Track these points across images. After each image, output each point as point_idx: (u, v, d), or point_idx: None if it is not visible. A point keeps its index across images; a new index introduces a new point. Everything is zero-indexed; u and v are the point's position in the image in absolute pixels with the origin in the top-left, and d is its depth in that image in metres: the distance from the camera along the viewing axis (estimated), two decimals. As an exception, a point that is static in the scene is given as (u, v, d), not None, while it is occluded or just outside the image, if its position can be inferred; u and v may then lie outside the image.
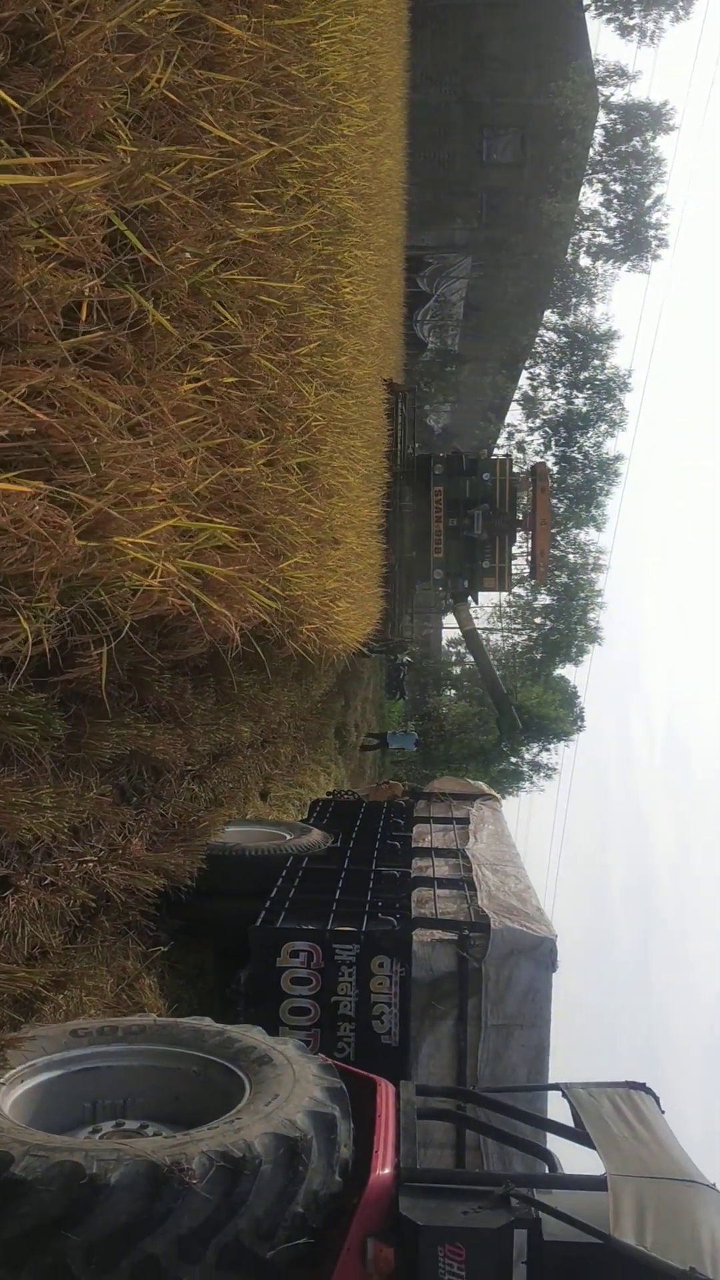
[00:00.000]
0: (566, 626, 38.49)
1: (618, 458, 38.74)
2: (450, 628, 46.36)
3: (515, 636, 40.16)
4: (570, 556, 37.90)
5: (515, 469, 26.08)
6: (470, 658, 41.32)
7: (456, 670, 44.53)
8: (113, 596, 3.50)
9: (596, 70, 35.84)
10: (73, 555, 2.89)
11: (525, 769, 39.79)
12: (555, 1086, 4.84)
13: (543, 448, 36.50)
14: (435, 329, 41.38)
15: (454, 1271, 3.38)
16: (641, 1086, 4.61)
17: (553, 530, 27.66)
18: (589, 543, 38.71)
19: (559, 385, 37.85)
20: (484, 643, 31.00)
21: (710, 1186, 3.79)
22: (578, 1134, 4.20)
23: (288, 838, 7.94)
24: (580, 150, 35.42)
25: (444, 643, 50.98)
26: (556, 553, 36.11)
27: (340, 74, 8.58)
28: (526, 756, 39.42)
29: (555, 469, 35.27)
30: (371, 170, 12.74)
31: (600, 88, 35.78)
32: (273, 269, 5.29)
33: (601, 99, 35.88)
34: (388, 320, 19.93)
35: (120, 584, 3.50)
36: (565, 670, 40.54)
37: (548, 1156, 4.28)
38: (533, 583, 32.09)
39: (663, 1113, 4.42)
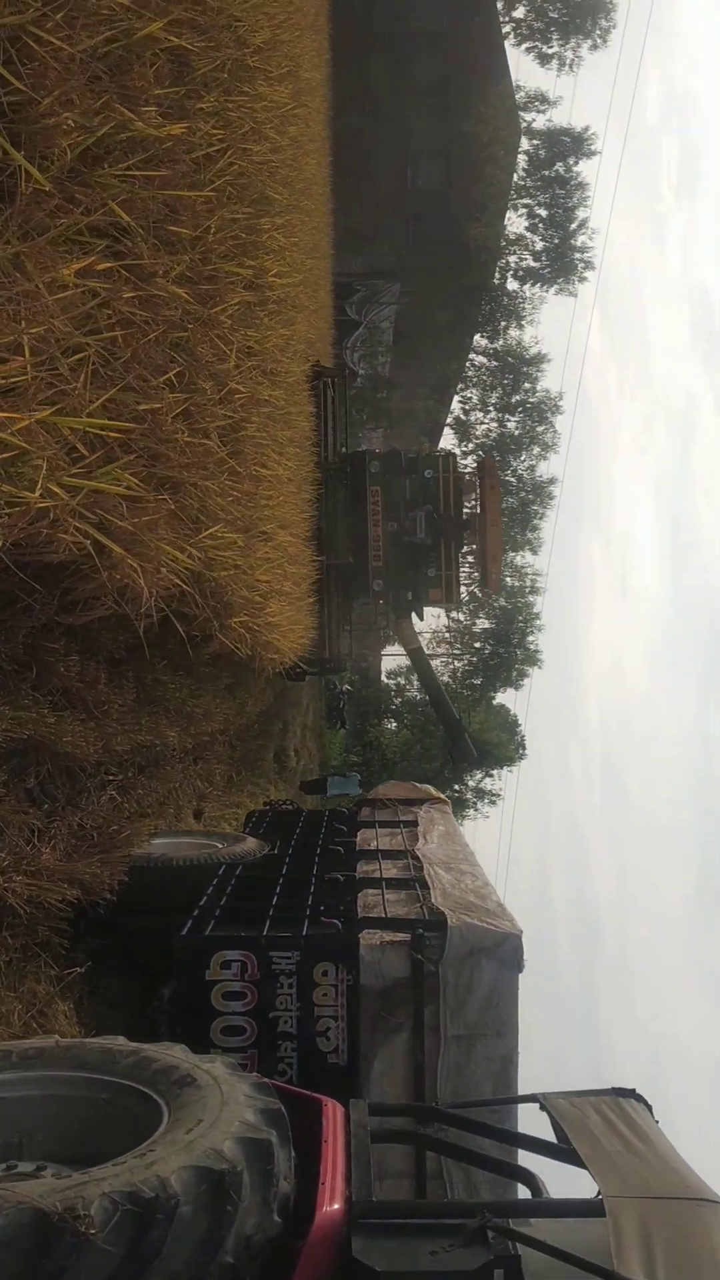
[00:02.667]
0: (506, 650, 38.18)
1: (551, 480, 38.74)
2: (392, 655, 45.86)
3: (455, 662, 39.74)
4: (508, 579, 37.60)
5: (461, 465, 23.84)
6: (415, 683, 40.88)
7: (397, 701, 43.94)
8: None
9: (518, 96, 36.08)
10: None
11: (469, 796, 39.31)
12: (531, 1098, 4.18)
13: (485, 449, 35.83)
14: (366, 356, 41.16)
15: (421, 1325, 2.72)
16: (630, 1093, 3.99)
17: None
18: (525, 565, 38.55)
19: (491, 409, 37.80)
20: (431, 663, 28.11)
21: (723, 1204, 3.18)
22: (562, 1150, 3.56)
23: (220, 846, 7.23)
24: (504, 175, 35.55)
25: (383, 675, 50.39)
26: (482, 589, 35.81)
27: (258, 35, 8.13)
28: (470, 783, 38.98)
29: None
30: (294, 161, 12.29)
31: (522, 114, 36.00)
32: (181, 187, 4.71)
33: (524, 125, 36.11)
34: (316, 332, 19.50)
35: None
36: (505, 695, 40.26)
37: (529, 1178, 3.61)
38: (484, 591, 30.06)
39: (657, 1122, 3.82)
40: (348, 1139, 3.37)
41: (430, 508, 20.92)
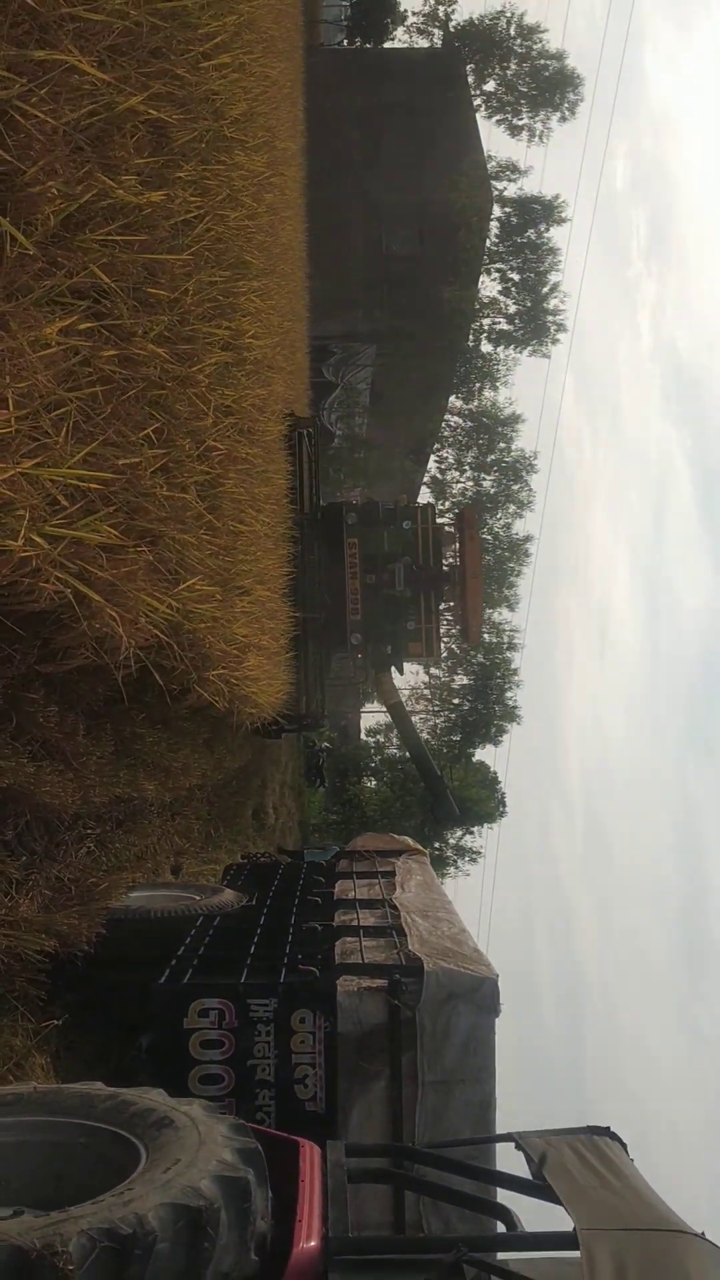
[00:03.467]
0: (485, 706, 38.32)
1: (527, 538, 39.20)
2: (371, 712, 45.90)
3: (434, 718, 39.82)
4: (486, 636, 37.84)
5: (440, 516, 23.42)
6: (395, 740, 40.86)
7: (376, 760, 43.89)
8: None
9: (490, 166, 37.06)
10: None
11: (450, 854, 39.19)
12: (507, 1137, 4.20)
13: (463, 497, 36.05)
14: (343, 417, 41.71)
15: None
16: (605, 1131, 4.02)
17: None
18: (503, 622, 38.84)
19: (466, 468, 38.32)
20: (413, 718, 27.66)
21: (697, 1235, 3.21)
22: (537, 1187, 3.58)
23: (197, 899, 7.24)
24: (477, 241, 36.37)
25: (363, 733, 50.36)
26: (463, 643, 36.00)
27: (235, 107, 8.41)
28: (451, 840, 38.88)
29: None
30: (270, 227, 12.61)
31: (494, 182, 36.94)
32: (160, 251, 4.88)
33: (495, 193, 37.05)
34: (293, 393, 19.81)
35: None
36: (485, 751, 40.32)
37: (505, 1214, 3.63)
38: (465, 645, 29.66)
39: (632, 1160, 3.84)
40: (324, 1179, 3.39)
41: (409, 560, 20.63)
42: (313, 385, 32.77)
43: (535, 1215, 3.41)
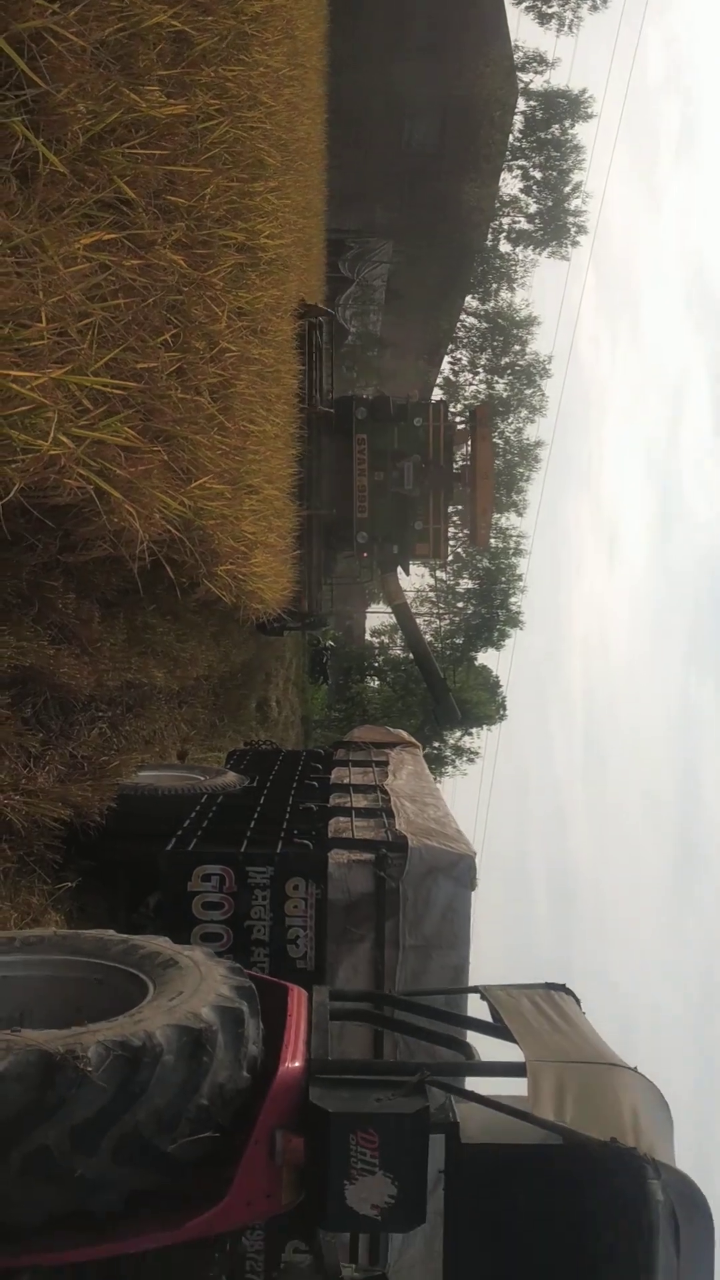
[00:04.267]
0: (488, 611, 38.66)
1: (538, 443, 39.10)
2: (376, 612, 46.24)
3: (438, 621, 40.22)
4: (493, 540, 38.02)
5: (452, 414, 21.99)
6: (399, 641, 41.35)
7: (380, 660, 44.46)
8: None
9: (516, 57, 36.02)
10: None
11: (449, 753, 39.97)
12: (474, 989, 4.71)
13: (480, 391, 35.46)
14: (358, 314, 41.24)
15: (366, 1160, 3.23)
16: (561, 987, 4.51)
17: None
18: (510, 528, 38.96)
19: (480, 370, 38.03)
20: (417, 618, 26.65)
21: (630, 1069, 3.69)
22: (497, 1029, 4.08)
23: (202, 779, 7.72)
24: (500, 136, 35.56)
25: (367, 634, 50.85)
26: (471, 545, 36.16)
27: (255, 3, 8.40)
28: (449, 741, 39.61)
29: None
30: (288, 123, 12.55)
31: (520, 74, 35.96)
32: (179, 159, 5.09)
33: (521, 85, 36.08)
34: (308, 290, 19.74)
35: (6, 440, 3.28)
36: (487, 655, 40.81)
37: (465, 1048, 4.14)
38: (472, 547, 28.86)
39: (584, 1013, 4.33)
40: (309, 1014, 3.88)
41: (419, 458, 19.66)
42: (328, 280, 32.40)
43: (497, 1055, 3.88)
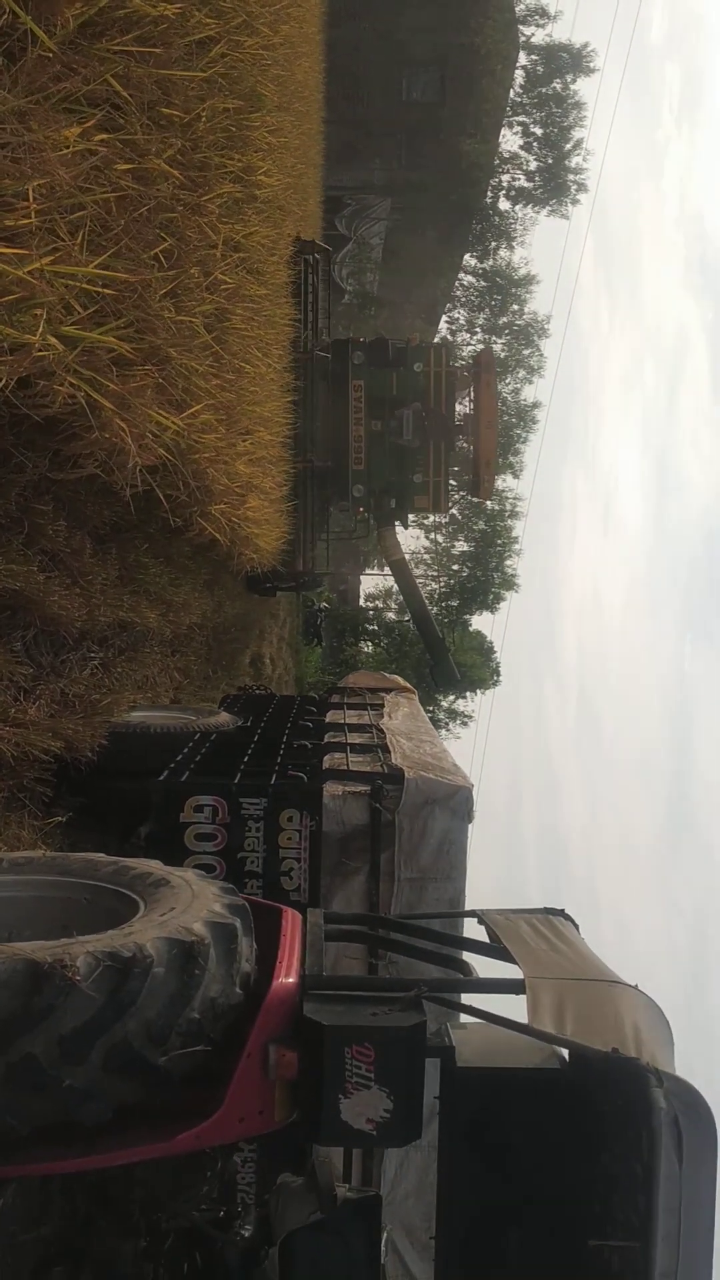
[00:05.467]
0: (483, 573, 38.54)
1: (535, 405, 38.83)
2: (372, 575, 46.07)
3: (433, 583, 40.09)
4: (488, 503, 37.84)
5: (455, 359, 20.77)
6: (394, 605, 41.23)
7: (374, 624, 44.31)
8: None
9: (518, 9, 35.43)
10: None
11: (442, 716, 39.98)
12: (471, 913, 4.65)
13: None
14: (354, 273, 40.82)
15: (362, 1074, 3.16)
16: (560, 912, 4.45)
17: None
18: (506, 490, 38.74)
19: (478, 330, 37.70)
20: (415, 577, 25.31)
21: (631, 986, 3.63)
22: (495, 949, 4.01)
23: (195, 719, 7.64)
24: (500, 91, 35.08)
25: (362, 599, 50.68)
26: (474, 499, 35.91)
27: None
28: (443, 703, 39.61)
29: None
30: (286, 61, 12.30)
31: (521, 27, 35.39)
32: (174, 64, 4.92)
33: (522, 39, 35.52)
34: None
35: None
36: (482, 620, 40.75)
37: (462, 967, 4.08)
38: (474, 499, 27.14)
39: (581, 936, 4.27)
40: (304, 934, 3.81)
41: (419, 405, 18.53)
42: (325, 238, 32.02)
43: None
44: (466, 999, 3.76)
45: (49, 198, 3.24)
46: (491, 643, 42.18)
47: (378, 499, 18.96)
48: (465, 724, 41.25)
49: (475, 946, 4.12)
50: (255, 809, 5.66)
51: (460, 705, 40.47)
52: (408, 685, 9.91)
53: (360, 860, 5.62)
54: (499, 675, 42.50)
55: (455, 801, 5.66)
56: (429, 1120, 4.05)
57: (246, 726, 7.78)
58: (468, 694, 40.03)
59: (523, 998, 3.55)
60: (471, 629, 40.72)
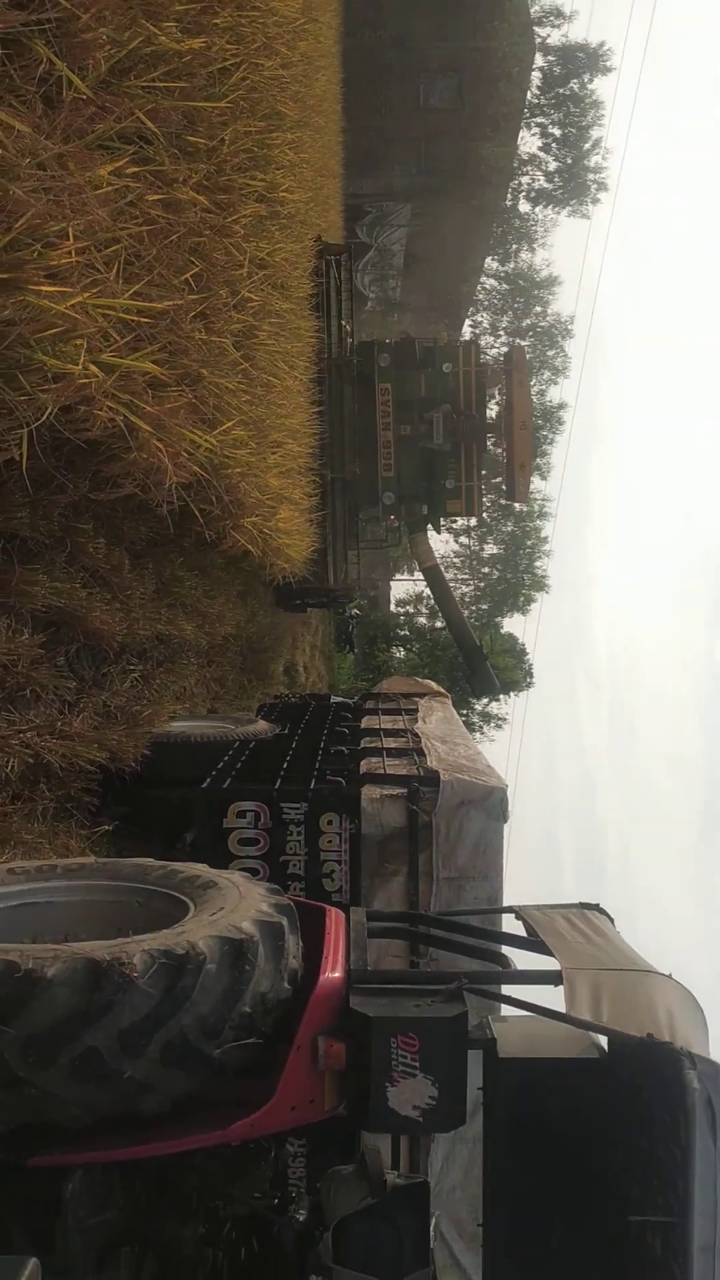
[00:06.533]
0: (514, 575, 38.61)
1: (561, 405, 38.86)
2: (402, 580, 46.16)
3: (463, 587, 40.19)
4: (516, 505, 37.91)
5: (484, 357, 19.68)
6: (425, 610, 41.32)
7: (406, 629, 44.39)
8: (28, 376, 3.32)
9: (533, 11, 35.55)
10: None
11: (476, 720, 40.04)
12: (509, 909, 4.79)
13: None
14: (377, 280, 41.03)
15: (407, 1063, 3.30)
16: (595, 906, 4.57)
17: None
18: (534, 491, 38.76)
19: (502, 333, 37.79)
20: (449, 583, 24.18)
21: (666, 976, 3.75)
22: (532, 942, 4.14)
23: (234, 728, 7.81)
24: (518, 93, 35.19)
25: (393, 604, 50.78)
26: (502, 501, 35.99)
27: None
28: (477, 707, 39.66)
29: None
30: (304, 77, 12.49)
31: (536, 29, 35.50)
32: (199, 96, 5.10)
33: (538, 40, 35.63)
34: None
35: (35, 363, 3.32)
36: (513, 621, 40.79)
37: (501, 959, 4.22)
38: (510, 503, 26.19)
39: (618, 931, 4.38)
40: (348, 931, 3.95)
41: (449, 407, 17.70)
42: (346, 246, 32.23)
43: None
44: (506, 992, 3.90)
45: (87, 235, 3.42)
46: (523, 645, 42.15)
47: (409, 505, 18.53)
48: (499, 727, 41.29)
49: (513, 940, 4.25)
50: (296, 813, 5.83)
51: (494, 708, 40.49)
52: (441, 690, 10.04)
53: (399, 861, 5.77)
54: (531, 677, 42.44)
55: (490, 802, 5.79)
56: (473, 1112, 4.18)
57: (284, 734, 7.95)
58: (501, 697, 40.04)
59: (560, 990, 3.68)
60: (503, 631, 40.76)
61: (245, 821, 5.87)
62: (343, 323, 17.34)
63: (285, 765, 6.66)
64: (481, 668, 22.46)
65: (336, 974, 3.62)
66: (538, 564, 39.09)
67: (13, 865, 4.28)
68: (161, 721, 7.48)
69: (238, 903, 3.80)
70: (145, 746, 6.69)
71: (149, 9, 4.38)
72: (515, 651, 41.01)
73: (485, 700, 39.72)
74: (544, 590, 39.95)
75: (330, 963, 3.66)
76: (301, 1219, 3.71)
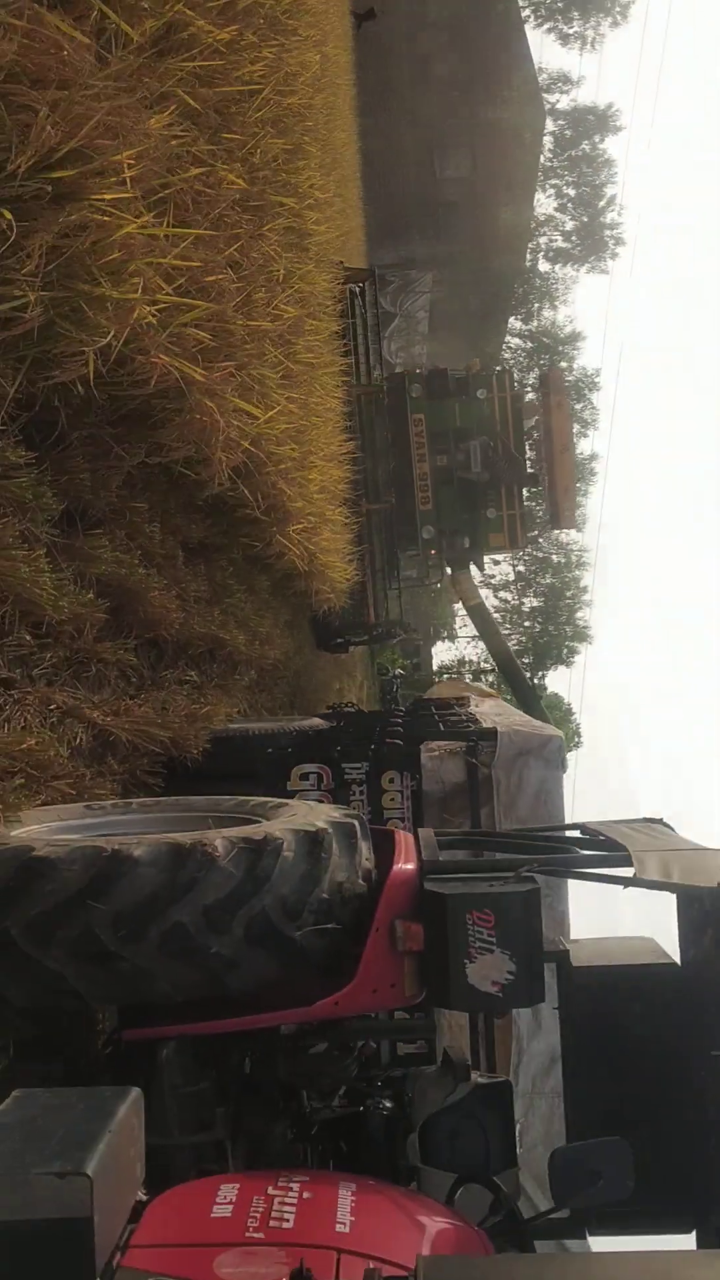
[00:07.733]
0: (555, 627, 38.63)
1: (593, 457, 39.19)
2: (446, 645, 46.21)
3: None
4: (554, 557, 38.10)
5: (519, 383, 19.50)
6: (468, 669, 41.32)
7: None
8: (91, 305, 3.53)
9: (541, 79, 36.71)
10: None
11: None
12: (574, 825, 4.83)
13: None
14: (403, 347, 41.83)
15: (484, 938, 3.35)
16: (659, 820, 4.61)
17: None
18: (570, 542, 38.97)
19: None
20: (496, 622, 23.50)
21: (734, 853, 3.79)
22: (597, 842, 4.19)
23: (291, 724, 7.93)
24: (530, 158, 36.17)
25: (434, 666, 50.77)
26: (539, 554, 36.20)
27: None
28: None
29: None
30: (326, 125, 13.00)
31: (546, 95, 36.60)
32: (230, 98, 5.41)
33: (548, 106, 36.70)
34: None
35: (99, 297, 3.54)
36: (557, 675, 40.67)
37: (568, 850, 4.26)
38: (556, 531, 25.57)
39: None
40: (417, 840, 4.04)
41: (486, 437, 17.29)
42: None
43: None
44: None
45: (140, 178, 3.65)
46: (570, 704, 41.94)
47: (449, 540, 17.95)
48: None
49: (579, 844, 4.30)
50: (357, 773, 5.93)
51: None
52: (492, 691, 10.12)
53: (462, 816, 5.83)
54: (580, 736, 42.11)
55: (548, 751, 5.86)
56: (550, 1067, 4.19)
57: (340, 726, 8.07)
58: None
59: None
60: (548, 692, 40.61)
61: (309, 784, 5.98)
62: (369, 354, 17.16)
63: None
64: (536, 707, 21.38)
65: (410, 866, 3.71)
66: (578, 614, 39.13)
67: (89, 803, 4.41)
68: (219, 720, 7.62)
69: (308, 813, 3.92)
70: (206, 740, 6.82)
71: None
72: (562, 710, 40.81)
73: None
74: (586, 640, 39.94)
75: (402, 857, 3.75)
76: (387, 1109, 3.74)
